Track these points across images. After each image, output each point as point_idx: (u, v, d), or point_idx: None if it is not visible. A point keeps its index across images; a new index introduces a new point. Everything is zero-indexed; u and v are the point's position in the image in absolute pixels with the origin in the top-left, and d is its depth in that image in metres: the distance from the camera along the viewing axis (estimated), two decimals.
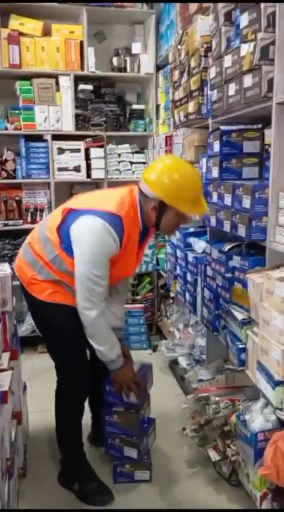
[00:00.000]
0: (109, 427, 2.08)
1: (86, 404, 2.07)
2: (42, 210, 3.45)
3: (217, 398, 2.06)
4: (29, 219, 3.44)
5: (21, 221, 3.43)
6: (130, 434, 2.05)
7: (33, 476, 2.13)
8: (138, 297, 3.73)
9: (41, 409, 2.54)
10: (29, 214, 3.44)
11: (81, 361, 1.96)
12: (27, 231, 3.42)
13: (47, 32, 3.36)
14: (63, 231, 1.82)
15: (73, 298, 1.83)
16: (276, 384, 1.48)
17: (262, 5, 1.59)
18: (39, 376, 3.04)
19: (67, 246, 1.80)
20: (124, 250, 1.78)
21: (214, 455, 2.04)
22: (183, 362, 2.89)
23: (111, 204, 1.76)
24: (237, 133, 1.99)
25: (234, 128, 1.99)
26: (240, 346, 1.81)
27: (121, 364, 1.92)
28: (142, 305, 3.65)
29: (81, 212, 1.77)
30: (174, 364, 3.10)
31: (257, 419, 1.70)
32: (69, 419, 2.03)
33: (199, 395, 2.18)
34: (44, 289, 1.89)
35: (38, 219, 3.44)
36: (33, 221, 3.43)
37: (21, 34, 3.25)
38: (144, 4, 3.50)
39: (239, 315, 1.84)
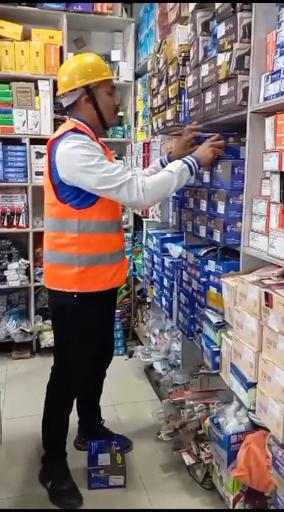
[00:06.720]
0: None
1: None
2: (19, 214, 3.42)
3: (192, 402, 2.07)
4: (5, 223, 3.41)
5: None
6: None
7: (4, 484, 2.09)
8: None
9: (15, 415, 2.51)
10: (6, 218, 3.41)
11: (85, 362, 2.00)
12: (3, 235, 3.45)
13: (26, 36, 3.36)
14: (56, 184, 1.88)
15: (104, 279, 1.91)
16: (249, 385, 1.50)
17: (238, 15, 1.64)
18: (13, 382, 3.01)
19: (68, 196, 1.84)
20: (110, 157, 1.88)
21: (188, 459, 2.05)
22: (158, 367, 2.90)
23: (63, 129, 1.87)
24: None
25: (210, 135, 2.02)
26: (215, 349, 1.83)
27: (193, 164, 1.87)
28: (119, 311, 3.65)
29: (53, 148, 1.82)
30: (149, 369, 3.11)
31: (231, 421, 1.72)
32: (57, 413, 2.06)
33: (174, 399, 2.20)
34: (80, 279, 1.87)
35: (14, 223, 3.41)
36: (10, 225, 3.40)
37: (0, 37, 3.24)
38: (124, 12, 3.54)
39: (214, 319, 1.86)
